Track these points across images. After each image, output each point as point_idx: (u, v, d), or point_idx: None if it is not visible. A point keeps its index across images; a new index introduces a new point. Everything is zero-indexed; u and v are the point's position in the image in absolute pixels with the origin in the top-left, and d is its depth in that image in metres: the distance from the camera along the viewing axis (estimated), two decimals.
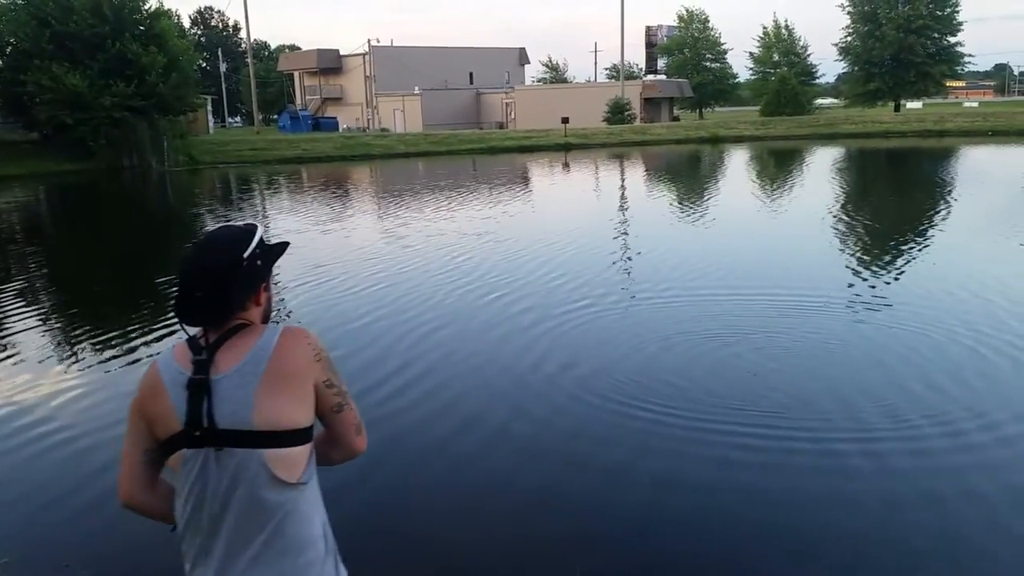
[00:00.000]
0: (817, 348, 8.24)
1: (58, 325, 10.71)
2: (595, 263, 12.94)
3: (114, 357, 8.78)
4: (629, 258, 13.84)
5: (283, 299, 11.01)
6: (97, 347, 9.20)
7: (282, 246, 2.27)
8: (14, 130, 41.28)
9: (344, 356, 8.18)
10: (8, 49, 38.75)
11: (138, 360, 8.53)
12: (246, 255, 2.10)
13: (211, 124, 54.37)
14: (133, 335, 9.55)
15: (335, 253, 15.02)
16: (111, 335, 9.70)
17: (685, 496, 5.33)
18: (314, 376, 2.07)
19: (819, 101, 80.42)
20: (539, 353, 8.26)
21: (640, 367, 7.75)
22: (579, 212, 21.05)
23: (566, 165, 37.50)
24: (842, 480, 5.41)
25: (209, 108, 55.91)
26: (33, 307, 11.44)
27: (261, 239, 2.17)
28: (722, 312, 9.68)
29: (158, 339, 9.25)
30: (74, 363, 8.58)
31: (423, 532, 4.99)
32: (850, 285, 11.10)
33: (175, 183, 33.51)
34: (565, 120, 47.58)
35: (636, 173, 34.95)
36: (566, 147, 45.07)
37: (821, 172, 31.72)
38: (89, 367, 8.44)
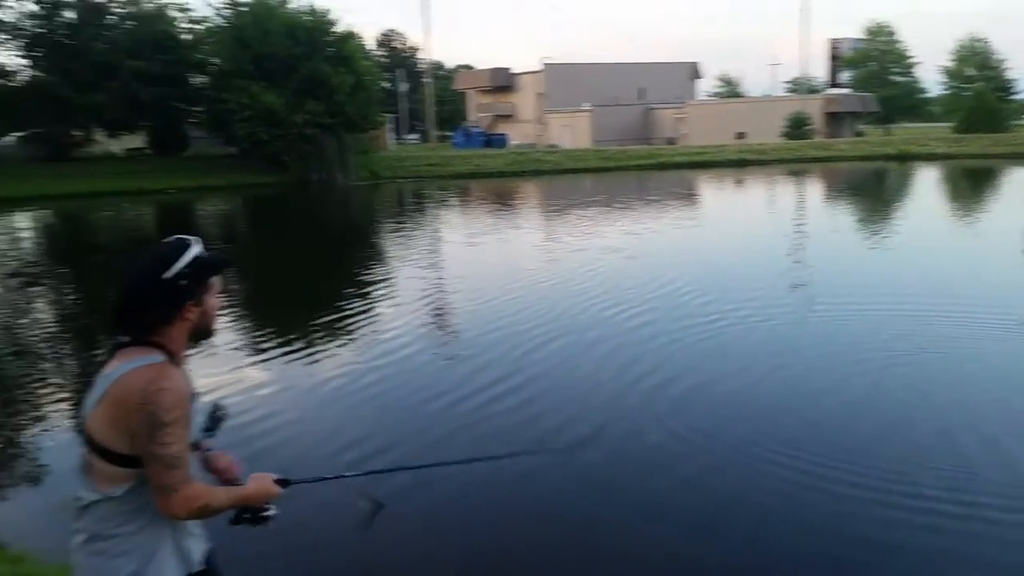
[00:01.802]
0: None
1: (251, 316, 11.44)
2: (756, 279, 12.65)
3: (292, 348, 9.27)
4: (789, 274, 13.39)
5: (420, 306, 11.56)
6: (278, 338, 9.75)
7: (218, 265, 2.38)
8: (216, 145, 44.75)
9: (458, 360, 8.65)
10: (212, 69, 42.11)
11: (312, 349, 8.96)
12: (167, 276, 2.24)
13: (391, 141, 56.65)
14: (312, 328, 10.06)
15: (480, 266, 15.65)
16: (295, 328, 10.27)
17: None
18: (132, 417, 2.18)
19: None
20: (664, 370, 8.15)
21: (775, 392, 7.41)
22: (745, 229, 20.44)
23: (739, 181, 36.56)
24: None
25: (389, 125, 58.32)
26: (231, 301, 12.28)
27: (197, 256, 2.28)
28: (900, 330, 9.22)
29: (323, 333, 9.69)
30: (253, 353, 9.12)
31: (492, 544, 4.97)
32: None
33: (357, 196, 35.18)
34: (740, 135, 46.35)
35: (814, 190, 33.57)
36: (741, 163, 43.90)
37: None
38: (269, 358, 8.95)
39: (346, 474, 3.10)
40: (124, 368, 2.23)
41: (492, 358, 8.88)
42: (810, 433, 6.57)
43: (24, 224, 28.00)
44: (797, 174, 38.69)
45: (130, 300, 2.28)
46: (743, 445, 6.31)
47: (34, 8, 42.02)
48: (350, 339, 10.30)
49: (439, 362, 9.07)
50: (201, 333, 2.40)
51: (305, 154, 38.69)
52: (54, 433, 7.17)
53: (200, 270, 2.31)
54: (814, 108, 59.58)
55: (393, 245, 19.81)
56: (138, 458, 2.21)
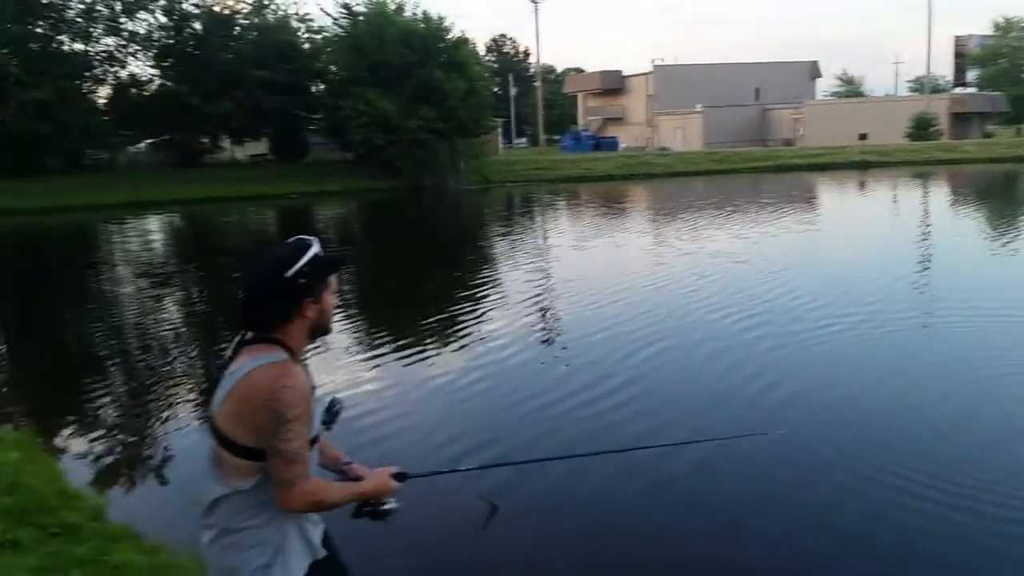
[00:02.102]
0: None
1: (365, 316, 11.73)
2: (873, 284, 12.27)
3: (401, 347, 9.46)
4: (908, 279, 12.84)
5: (528, 308, 11.73)
6: (391, 335, 9.95)
7: (335, 263, 2.48)
8: (333, 151, 46.18)
9: (562, 361, 8.79)
10: (330, 77, 43.50)
11: (421, 348, 9.10)
12: (288, 274, 2.33)
13: (500, 145, 57.18)
14: (421, 328, 10.23)
15: (587, 269, 15.57)
16: (408, 327, 10.46)
17: None
18: (256, 413, 2.27)
19: None
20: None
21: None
22: (864, 232, 19.66)
23: (861, 184, 35.25)
24: None
25: (500, 130, 58.87)
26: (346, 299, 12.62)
27: (316, 255, 2.38)
28: (1018, 339, 8.75)
29: (432, 333, 9.82)
30: (364, 351, 9.33)
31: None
32: None
33: (468, 200, 35.61)
34: (862, 136, 44.66)
35: (940, 193, 32.04)
36: (862, 165, 42.31)
37: None
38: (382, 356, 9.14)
39: (460, 468, 3.11)
40: (249, 365, 2.32)
41: (596, 359, 8.91)
42: (912, 445, 6.31)
43: (155, 227, 29.54)
44: (922, 176, 37.04)
45: (253, 297, 2.38)
46: (844, 455, 6.10)
47: (164, 20, 44.44)
48: (457, 339, 10.43)
49: (544, 363, 9.10)
50: (319, 330, 2.48)
51: (418, 159, 39.43)
52: (183, 428, 7.51)
53: (319, 269, 2.40)
54: (939, 108, 56.91)
55: (502, 248, 19.96)
56: (263, 451, 2.30)
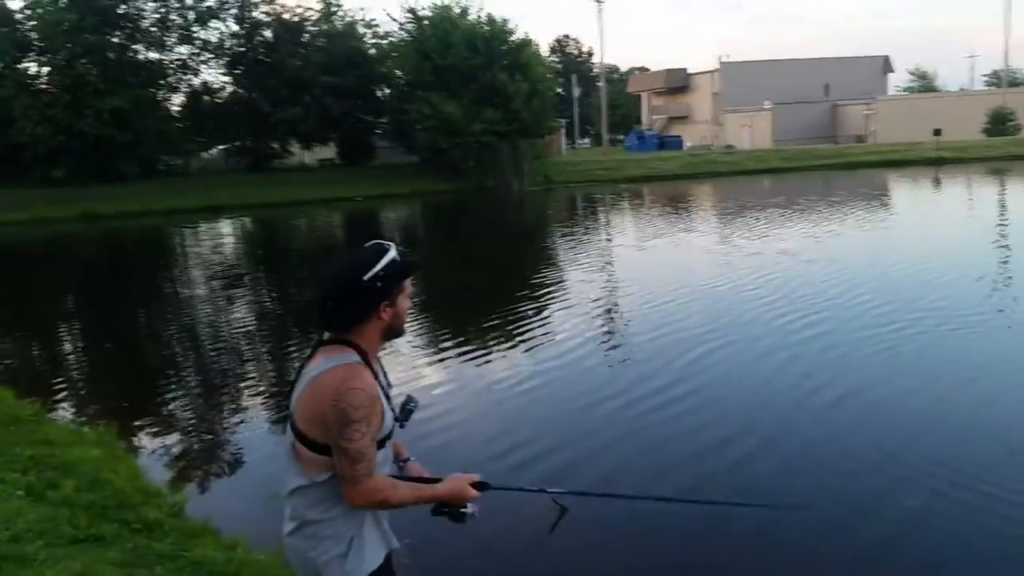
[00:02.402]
0: None
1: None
2: (947, 285, 11.95)
3: (465, 348, 9.48)
4: (984, 281, 12.38)
5: (590, 309, 11.73)
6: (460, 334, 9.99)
7: (411, 268, 2.53)
8: (399, 154, 46.70)
9: (626, 364, 8.84)
10: (396, 81, 44.03)
11: (485, 350, 9.11)
12: (366, 278, 2.41)
13: (563, 146, 57.09)
14: (485, 329, 10.27)
15: (650, 269, 15.61)
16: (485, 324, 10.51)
17: None
18: (326, 412, 2.36)
19: None
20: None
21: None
22: (939, 231, 19.06)
23: (935, 181, 34.23)
24: None
25: (563, 131, 58.78)
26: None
27: (392, 260, 2.44)
28: None
29: (495, 334, 9.83)
30: (432, 352, 9.38)
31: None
32: None
33: (531, 201, 35.63)
34: (937, 132, 43.39)
35: (1018, 190, 30.91)
36: (938, 162, 41.07)
37: None
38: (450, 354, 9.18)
39: (548, 490, 3.02)
40: (323, 366, 2.42)
41: (659, 363, 8.85)
42: (998, 455, 6.03)
43: (228, 230, 30.26)
44: (999, 173, 35.76)
45: (331, 299, 2.46)
46: (923, 467, 5.90)
47: (235, 28, 45.53)
48: (520, 340, 10.42)
49: (607, 365, 9.07)
50: (393, 332, 2.56)
51: (482, 161, 39.63)
52: (257, 426, 7.67)
53: (395, 273, 2.46)
54: (1017, 102, 54.94)
55: (565, 249, 19.89)
56: (319, 443, 2.42)
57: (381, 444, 2.49)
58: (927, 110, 55.93)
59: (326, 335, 2.52)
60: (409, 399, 2.67)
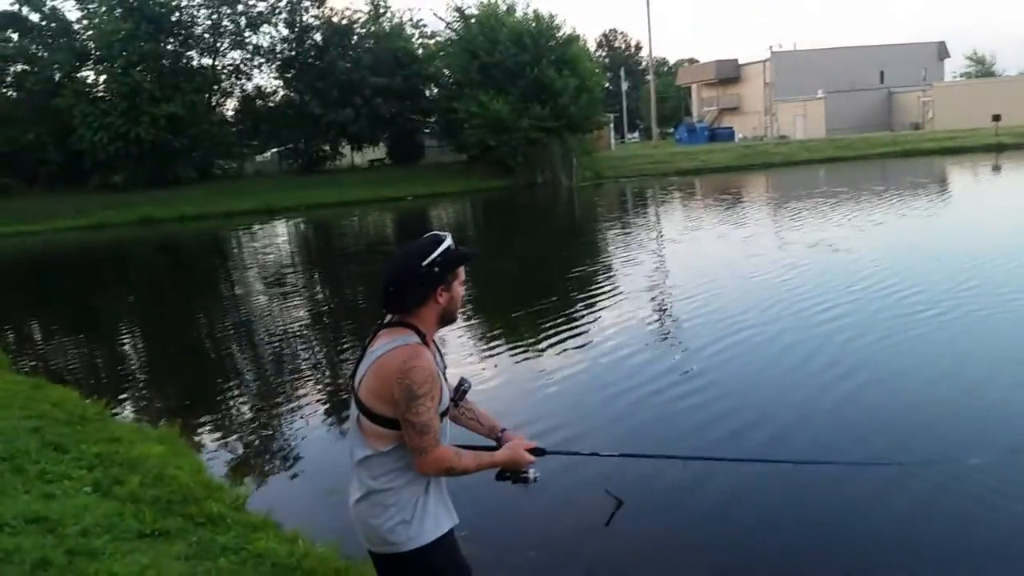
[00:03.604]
0: None
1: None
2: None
3: (510, 339, 9.48)
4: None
5: (636, 303, 11.81)
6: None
7: (464, 256, 2.73)
8: (447, 152, 46.95)
9: (632, 356, 8.94)
10: (444, 80, 44.23)
11: (530, 339, 9.11)
12: (424, 264, 2.62)
13: (612, 140, 56.76)
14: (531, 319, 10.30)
15: (692, 260, 15.97)
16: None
17: None
18: (391, 388, 2.55)
19: None
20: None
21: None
22: (1000, 222, 18.42)
23: (996, 168, 33.27)
24: None
25: (611, 125, 58.47)
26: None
27: (448, 248, 2.65)
28: None
29: (540, 324, 9.81)
30: (478, 344, 9.40)
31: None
32: None
33: (580, 197, 35.48)
34: (996, 118, 42.17)
35: None
36: (998, 148, 39.94)
37: None
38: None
39: (601, 453, 3.20)
40: (386, 347, 2.62)
41: (662, 353, 9.10)
42: None
43: (283, 231, 30.71)
44: None
45: (393, 282, 2.66)
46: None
47: (286, 32, 46.19)
48: (564, 331, 10.42)
49: (655, 356, 9.02)
50: (448, 317, 2.76)
51: (531, 158, 39.60)
52: (315, 421, 7.77)
53: (450, 260, 2.67)
54: None
55: (613, 244, 19.74)
56: (398, 421, 2.59)
57: (440, 418, 2.65)
58: (985, 95, 54.33)
59: (388, 318, 2.72)
60: (463, 380, 2.88)
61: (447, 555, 2.74)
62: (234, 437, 7.57)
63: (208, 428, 7.85)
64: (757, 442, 6.33)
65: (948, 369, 7.76)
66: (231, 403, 8.82)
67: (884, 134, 50.15)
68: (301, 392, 8.86)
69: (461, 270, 2.73)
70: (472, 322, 11.49)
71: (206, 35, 44.91)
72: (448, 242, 2.68)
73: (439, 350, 2.79)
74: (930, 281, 11.43)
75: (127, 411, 8.54)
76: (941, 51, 72.68)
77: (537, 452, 2.86)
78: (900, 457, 5.91)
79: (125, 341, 13.42)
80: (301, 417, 7.96)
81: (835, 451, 6.12)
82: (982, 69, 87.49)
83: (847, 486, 5.42)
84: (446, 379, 2.74)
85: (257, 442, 7.47)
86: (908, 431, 6.41)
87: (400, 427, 2.58)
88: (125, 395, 9.29)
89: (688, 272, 14.50)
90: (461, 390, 2.86)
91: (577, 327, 10.74)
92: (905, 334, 8.96)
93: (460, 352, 9.63)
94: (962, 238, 15.71)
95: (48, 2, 42.00)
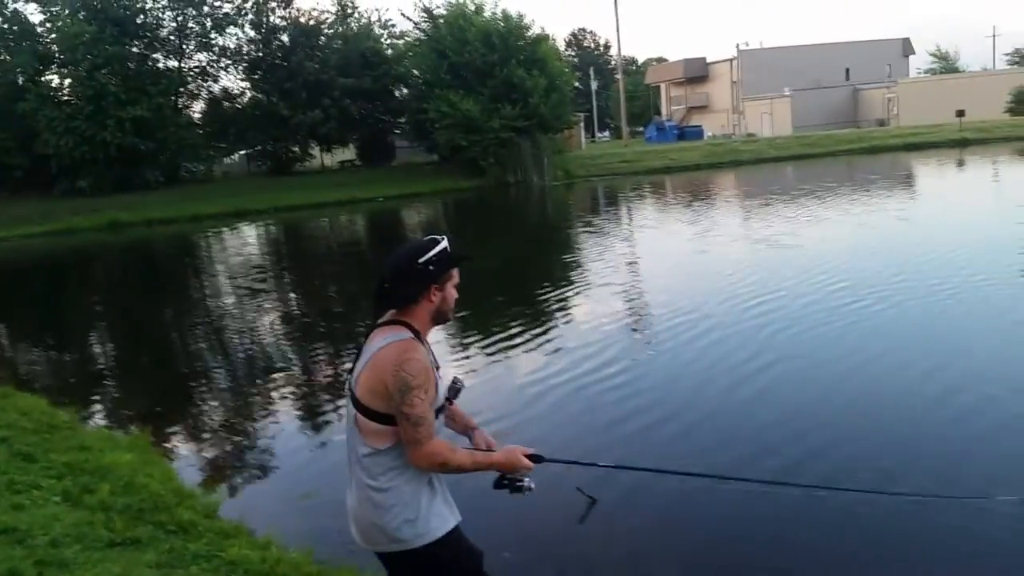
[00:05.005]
0: None
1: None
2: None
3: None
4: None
5: (572, 296, 11.38)
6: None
7: (459, 257, 2.83)
8: (419, 153, 46.82)
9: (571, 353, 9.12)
10: (413, 81, 44.10)
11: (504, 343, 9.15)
12: (420, 261, 2.72)
13: (583, 140, 56.90)
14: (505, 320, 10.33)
15: (631, 259, 16.55)
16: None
17: None
18: (387, 382, 2.62)
19: None
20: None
21: None
22: (951, 214, 18.77)
23: (960, 163, 33.80)
24: None
25: (581, 125, 58.63)
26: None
27: (443, 250, 2.76)
28: None
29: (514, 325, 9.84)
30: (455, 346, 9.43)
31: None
32: None
33: (553, 196, 35.54)
34: (960, 113, 42.84)
35: None
36: (962, 143, 40.57)
37: None
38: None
39: (599, 463, 3.25)
40: (382, 342, 2.71)
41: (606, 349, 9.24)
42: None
43: (252, 234, 30.45)
44: None
45: (390, 279, 2.75)
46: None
47: (252, 34, 45.83)
48: (537, 333, 10.45)
49: (634, 359, 9.06)
50: (440, 316, 2.84)
51: (502, 158, 39.57)
52: (287, 427, 7.73)
53: (445, 260, 2.78)
54: None
55: (585, 243, 19.82)
56: (394, 417, 2.64)
57: (435, 414, 2.72)
58: (949, 91, 55.21)
59: (384, 317, 2.81)
60: (456, 379, 2.98)
61: (457, 545, 2.81)
62: (205, 443, 7.53)
63: (179, 434, 7.79)
64: (668, 435, 6.58)
65: (864, 359, 8.07)
66: (202, 409, 8.75)
67: (850, 131, 50.73)
68: (272, 397, 8.81)
69: (456, 272, 2.83)
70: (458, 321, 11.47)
71: (172, 37, 44.46)
72: (444, 244, 2.78)
73: (431, 350, 2.85)
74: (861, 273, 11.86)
75: (97, 419, 8.45)
76: (905, 47, 73.72)
77: (535, 459, 2.89)
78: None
79: (94, 347, 13.28)
80: (273, 422, 7.92)
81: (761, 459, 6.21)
82: (946, 65, 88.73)
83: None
84: (440, 377, 2.81)
85: (229, 448, 7.42)
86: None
87: (396, 423, 2.64)
88: (94, 402, 9.19)
89: (634, 270, 15.28)
90: (455, 388, 2.94)
91: (513, 325, 10.84)
92: (828, 326, 9.36)
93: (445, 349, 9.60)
94: (910, 233, 16.13)
95: (10, 4, 41.38)
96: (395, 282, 2.75)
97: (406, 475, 2.70)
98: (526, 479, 2.86)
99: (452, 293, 2.84)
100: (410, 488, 2.71)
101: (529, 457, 2.87)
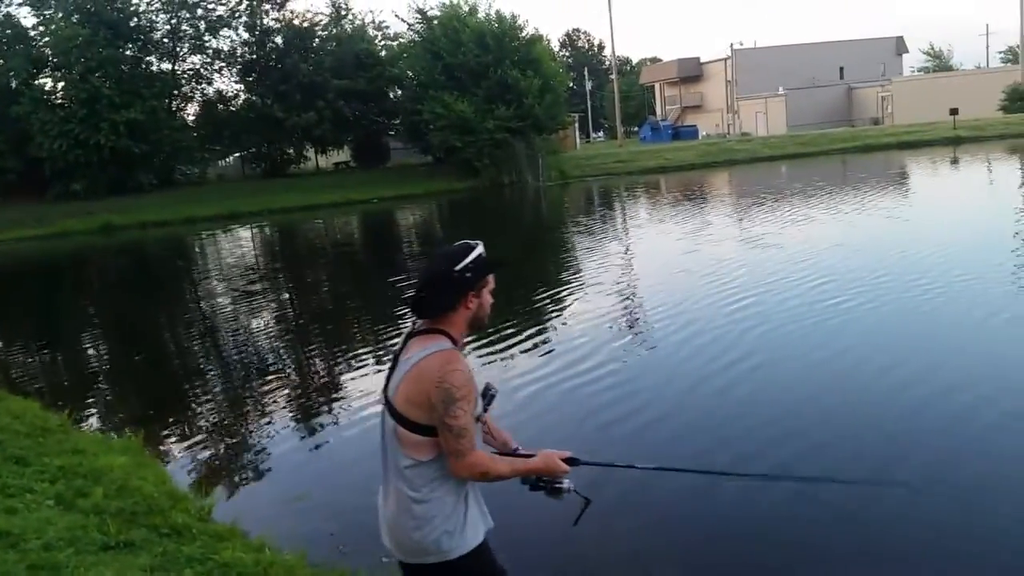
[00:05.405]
0: None
1: None
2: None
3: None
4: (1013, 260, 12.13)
5: (563, 296, 11.38)
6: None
7: (495, 263, 2.80)
8: (413, 154, 46.78)
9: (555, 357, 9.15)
10: (407, 82, 44.09)
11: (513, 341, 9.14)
12: (456, 269, 2.67)
13: (577, 140, 56.93)
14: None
15: (620, 259, 16.64)
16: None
17: None
18: (431, 393, 2.58)
19: None
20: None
21: None
22: (947, 214, 18.80)
23: (953, 161, 33.87)
24: None
25: (576, 125, 58.65)
26: None
27: (479, 256, 2.71)
28: None
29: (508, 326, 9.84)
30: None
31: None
32: None
33: (548, 197, 35.54)
34: (954, 111, 42.92)
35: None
36: (955, 141, 40.65)
37: None
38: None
39: (637, 465, 3.22)
40: (422, 353, 2.66)
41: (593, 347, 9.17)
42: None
43: (247, 236, 30.43)
44: (1018, 150, 35.32)
45: (426, 288, 2.72)
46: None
47: (246, 36, 45.79)
48: (531, 333, 10.49)
49: (634, 357, 9.07)
50: (477, 323, 2.82)
51: (496, 159, 39.55)
52: (281, 429, 7.72)
53: (481, 267, 2.74)
54: None
55: (578, 244, 19.84)
56: (436, 428, 2.62)
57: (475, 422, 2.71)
58: (943, 89, 55.34)
59: (418, 325, 2.78)
60: (488, 386, 2.90)
61: (487, 558, 2.82)
62: (199, 446, 7.50)
63: (172, 437, 7.78)
64: (632, 429, 6.67)
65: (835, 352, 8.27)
66: (195, 412, 8.74)
67: (844, 130, 50.82)
68: (266, 399, 8.81)
69: (491, 277, 2.79)
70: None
71: (165, 40, 44.38)
72: (480, 249, 2.74)
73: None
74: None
75: (90, 421, 8.43)
76: (899, 46, 73.83)
77: (571, 462, 2.89)
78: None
79: (87, 351, 13.25)
80: (267, 424, 7.92)
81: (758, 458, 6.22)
82: (939, 63, 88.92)
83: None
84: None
85: (223, 450, 7.42)
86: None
87: (437, 433, 2.62)
88: (88, 406, 9.18)
89: (625, 269, 15.47)
90: (489, 395, 2.89)
91: (506, 325, 10.77)
92: (803, 322, 9.51)
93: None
94: (904, 231, 16.16)
95: (2, 8, 41.29)
96: (431, 291, 2.72)
97: (447, 485, 2.69)
98: (565, 481, 2.87)
99: (488, 299, 2.82)
100: (451, 499, 2.70)
101: (566, 460, 2.87)
